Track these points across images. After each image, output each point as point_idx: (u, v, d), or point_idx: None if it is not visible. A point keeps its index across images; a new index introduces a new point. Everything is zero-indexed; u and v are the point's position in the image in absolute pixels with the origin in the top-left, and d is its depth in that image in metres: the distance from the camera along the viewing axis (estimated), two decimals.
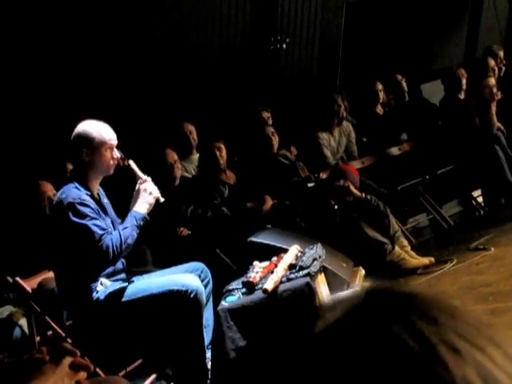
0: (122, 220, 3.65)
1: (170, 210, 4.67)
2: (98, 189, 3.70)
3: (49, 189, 4.69)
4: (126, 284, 3.59)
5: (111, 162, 3.62)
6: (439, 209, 6.48)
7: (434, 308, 0.58)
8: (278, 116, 6.58)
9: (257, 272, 3.71)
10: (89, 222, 3.41)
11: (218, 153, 5.63)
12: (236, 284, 3.71)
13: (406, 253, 5.24)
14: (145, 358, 3.76)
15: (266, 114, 6.51)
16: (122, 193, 4.01)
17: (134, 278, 3.71)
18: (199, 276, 3.70)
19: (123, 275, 3.72)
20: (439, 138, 6.69)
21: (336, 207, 5.37)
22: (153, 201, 3.62)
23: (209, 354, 3.55)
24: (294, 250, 3.91)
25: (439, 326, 0.56)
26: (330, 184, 5.61)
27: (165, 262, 4.15)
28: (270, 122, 6.46)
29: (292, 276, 3.60)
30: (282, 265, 3.69)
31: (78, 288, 3.53)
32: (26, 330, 3.95)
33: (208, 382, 3.53)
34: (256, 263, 3.86)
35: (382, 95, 7.06)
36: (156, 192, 3.64)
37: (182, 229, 5.03)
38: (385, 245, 5.18)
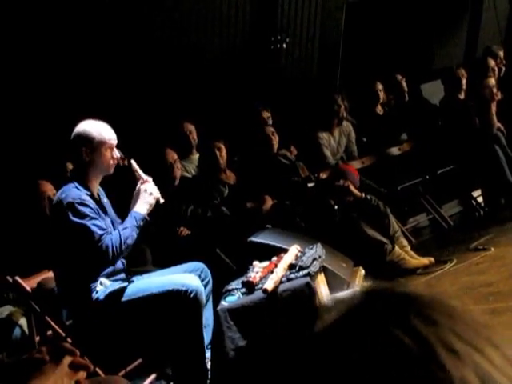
0: (122, 220, 3.65)
1: (169, 209, 4.67)
2: (97, 188, 3.70)
3: (49, 188, 4.69)
4: (125, 284, 3.59)
5: (111, 162, 3.62)
6: (439, 209, 6.48)
7: (432, 309, 0.58)
8: (278, 116, 6.58)
9: (257, 272, 3.71)
10: (88, 222, 3.41)
11: (217, 153, 5.63)
12: (236, 284, 3.71)
13: (405, 253, 5.24)
14: (144, 358, 3.76)
15: (266, 114, 6.51)
16: (121, 192, 4.01)
17: (134, 278, 3.71)
18: (199, 276, 3.70)
19: (123, 275, 3.72)
20: (439, 138, 6.69)
21: (336, 207, 5.37)
22: (153, 201, 3.62)
23: (208, 354, 3.55)
24: (293, 249, 3.91)
25: (437, 327, 0.56)
26: (329, 184, 5.61)
27: (165, 261, 4.14)
28: (270, 121, 6.46)
29: (292, 276, 3.60)
30: (281, 265, 3.69)
31: (77, 288, 3.53)
32: (26, 329, 3.95)
33: (208, 381, 3.53)
34: (256, 263, 3.86)
35: (382, 95, 7.06)
36: (156, 193, 3.64)
37: (181, 229, 5.03)
38: (385, 245, 5.18)
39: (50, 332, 3.80)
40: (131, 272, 3.82)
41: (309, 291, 3.48)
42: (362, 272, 4.46)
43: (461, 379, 0.52)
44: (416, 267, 5.12)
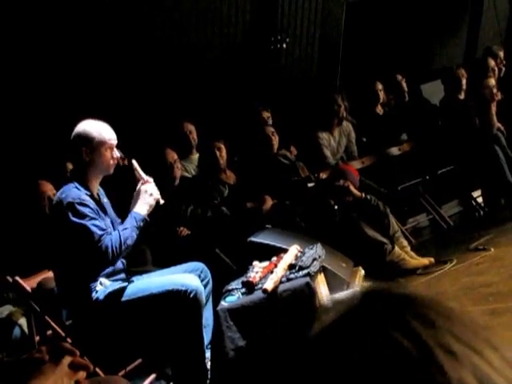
0: (122, 220, 3.65)
1: (169, 209, 4.67)
2: (97, 188, 3.70)
3: (49, 188, 4.69)
4: (125, 284, 3.59)
5: (111, 162, 3.62)
6: (439, 209, 6.48)
7: (430, 310, 0.58)
8: (278, 116, 6.58)
9: (256, 272, 3.71)
10: (88, 223, 3.41)
11: (217, 153, 5.63)
12: (236, 284, 3.71)
13: (405, 253, 5.24)
14: (144, 358, 3.76)
15: (266, 114, 6.51)
16: (121, 192, 4.01)
17: (134, 278, 3.71)
18: (199, 276, 3.70)
19: (123, 275, 3.72)
20: (439, 139, 6.69)
21: (336, 207, 5.36)
22: (153, 202, 3.62)
23: (208, 354, 3.55)
24: (293, 249, 3.91)
25: (436, 328, 0.55)
26: (329, 184, 5.61)
27: (164, 261, 4.14)
28: (270, 121, 6.46)
29: (292, 276, 3.60)
30: (281, 265, 3.69)
31: (77, 288, 3.53)
32: (26, 329, 3.95)
33: (207, 381, 3.53)
34: (256, 263, 3.86)
35: (382, 95, 7.06)
36: (156, 194, 3.63)
37: (181, 229, 5.03)
38: (384, 245, 5.18)
39: (49, 332, 3.80)
40: (131, 272, 3.82)
41: (309, 291, 3.48)
42: (362, 272, 4.46)
43: (459, 381, 0.52)
44: (416, 267, 5.12)
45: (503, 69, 7.31)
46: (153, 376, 3.76)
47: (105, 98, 5.70)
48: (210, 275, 3.80)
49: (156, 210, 3.69)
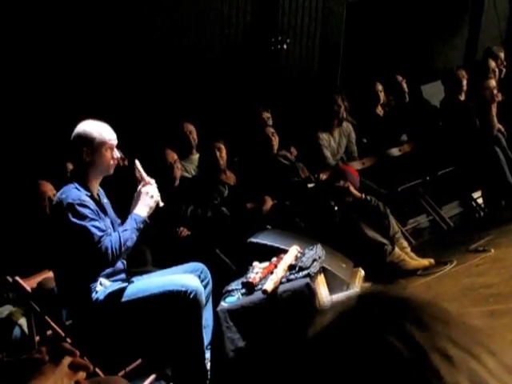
0: (122, 221, 3.65)
1: (169, 210, 4.67)
2: (97, 189, 3.70)
3: (49, 189, 4.69)
4: (125, 284, 3.59)
5: (111, 162, 3.62)
6: (439, 210, 6.48)
7: (427, 314, 0.57)
8: (278, 116, 6.58)
9: (256, 273, 3.71)
10: (88, 224, 3.41)
11: (218, 153, 5.63)
12: (236, 284, 3.71)
13: (405, 254, 5.24)
14: (144, 358, 3.76)
15: (266, 115, 6.51)
16: (121, 193, 4.01)
17: (134, 278, 3.71)
18: (199, 276, 3.70)
19: (123, 275, 3.72)
20: (439, 139, 6.69)
21: (336, 208, 5.36)
22: (154, 204, 3.61)
23: (208, 355, 3.55)
24: (293, 250, 3.91)
25: (432, 332, 0.55)
26: (329, 185, 5.60)
27: (165, 262, 4.14)
28: (270, 122, 6.46)
29: (292, 277, 3.60)
30: (281, 265, 3.69)
31: (77, 288, 3.53)
32: (26, 329, 3.95)
33: (207, 382, 3.53)
34: (256, 264, 3.86)
35: (382, 96, 7.06)
36: (157, 195, 3.63)
37: (181, 229, 5.03)
38: (385, 246, 5.17)
39: (49, 332, 3.80)
40: (131, 272, 3.82)
41: (309, 292, 3.48)
42: (362, 273, 4.46)
43: None
44: (416, 268, 5.11)
45: (504, 70, 7.31)
46: (153, 376, 3.76)
47: (105, 98, 5.70)
48: (209, 276, 3.80)
49: (156, 211, 3.69)
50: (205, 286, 3.66)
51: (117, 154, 3.63)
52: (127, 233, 3.48)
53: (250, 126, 6.38)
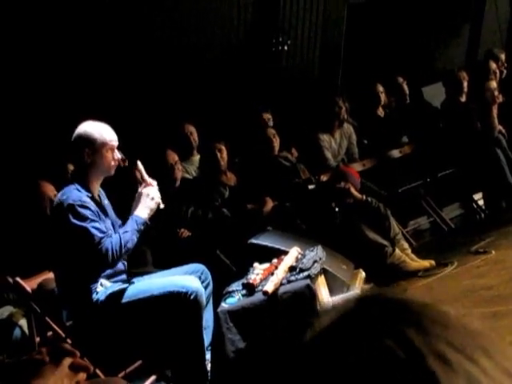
0: (123, 222, 3.65)
1: (170, 211, 4.67)
2: (98, 190, 3.70)
3: (49, 189, 4.69)
4: (126, 285, 3.59)
5: (112, 163, 3.62)
6: (440, 211, 6.48)
7: (426, 317, 0.57)
8: (278, 118, 6.58)
9: (257, 274, 3.71)
10: (89, 225, 3.41)
11: (218, 154, 5.63)
12: (236, 286, 3.71)
13: (406, 255, 5.23)
14: (144, 360, 3.76)
15: (267, 116, 6.51)
16: (122, 194, 4.01)
17: (135, 279, 3.71)
18: (199, 277, 3.69)
19: (124, 276, 3.72)
20: (440, 141, 6.69)
21: (336, 209, 5.36)
22: (154, 206, 3.61)
23: (208, 356, 3.55)
24: (294, 252, 3.91)
25: (430, 336, 0.55)
26: (330, 186, 5.60)
27: (165, 263, 4.14)
28: (271, 123, 6.46)
29: (292, 278, 3.60)
30: (282, 267, 3.69)
31: (77, 289, 3.53)
32: (26, 330, 3.95)
33: (207, 383, 3.53)
34: (256, 265, 3.86)
35: (383, 97, 7.06)
36: (158, 197, 3.63)
37: (182, 230, 5.03)
38: (385, 247, 5.17)
39: (50, 333, 3.80)
40: (132, 273, 3.82)
41: (309, 293, 3.48)
42: (363, 274, 4.46)
43: None
44: (416, 270, 5.11)
45: (504, 71, 7.32)
46: (153, 377, 3.75)
47: (105, 99, 5.70)
48: (210, 277, 3.80)
49: (157, 213, 3.69)
50: (205, 287, 3.66)
51: (118, 155, 3.63)
52: (128, 234, 3.48)
53: (251, 127, 6.38)
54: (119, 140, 3.66)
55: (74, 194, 3.48)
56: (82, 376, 1.50)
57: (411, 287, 4.63)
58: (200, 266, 3.82)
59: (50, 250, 3.65)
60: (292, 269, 3.69)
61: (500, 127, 6.51)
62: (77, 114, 3.87)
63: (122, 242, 3.44)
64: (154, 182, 3.67)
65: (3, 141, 5.39)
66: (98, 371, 3.35)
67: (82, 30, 5.69)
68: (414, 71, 7.63)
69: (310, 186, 5.88)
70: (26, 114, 5.59)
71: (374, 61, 7.51)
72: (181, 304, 3.42)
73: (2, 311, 4.20)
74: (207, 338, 3.57)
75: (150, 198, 3.59)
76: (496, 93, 6.44)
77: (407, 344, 0.54)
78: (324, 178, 5.95)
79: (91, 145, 3.57)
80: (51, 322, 3.74)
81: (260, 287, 3.56)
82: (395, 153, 6.69)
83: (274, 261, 3.84)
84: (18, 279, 3.75)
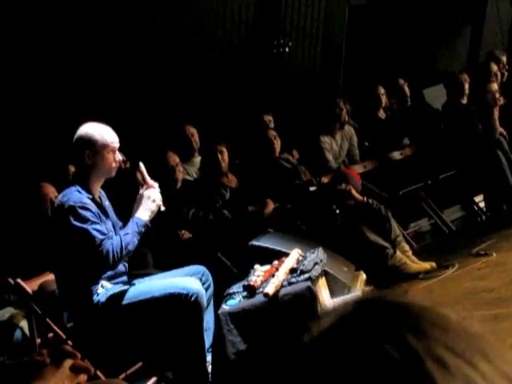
0: (124, 223, 3.65)
1: (171, 212, 4.67)
2: (99, 191, 3.70)
3: (51, 191, 4.69)
4: (127, 287, 3.59)
5: (113, 165, 3.62)
6: (441, 214, 6.47)
7: (425, 320, 0.57)
8: (280, 119, 6.58)
9: (258, 276, 3.71)
10: (89, 227, 3.41)
11: (219, 156, 5.63)
12: (237, 287, 3.71)
13: (407, 257, 5.23)
14: (145, 361, 3.75)
15: (268, 118, 6.51)
16: (123, 195, 4.01)
17: (135, 281, 3.71)
18: (200, 279, 3.69)
19: (125, 278, 3.72)
20: (441, 143, 6.68)
21: (337, 211, 5.36)
22: (155, 208, 3.61)
23: (209, 358, 3.55)
24: (295, 253, 3.91)
25: (429, 339, 0.54)
26: (331, 188, 5.60)
27: (166, 264, 4.14)
28: (272, 125, 6.46)
29: (293, 280, 3.60)
30: (283, 269, 3.69)
31: (78, 290, 3.53)
32: (27, 331, 3.95)
33: None
34: (257, 267, 3.86)
35: (384, 99, 7.05)
36: (159, 200, 3.63)
37: (183, 232, 5.03)
38: (386, 249, 5.17)
39: (50, 334, 3.80)
40: (133, 275, 3.82)
41: (310, 295, 3.48)
42: (364, 276, 4.46)
43: None
44: (417, 272, 5.11)
45: (506, 73, 7.31)
46: (154, 379, 3.75)
47: (106, 100, 5.70)
48: (211, 278, 3.80)
49: (157, 215, 3.69)
50: (206, 289, 3.66)
51: (119, 156, 3.63)
52: (128, 236, 3.48)
53: (252, 129, 6.39)
54: (120, 141, 3.67)
55: (75, 195, 3.48)
56: (83, 378, 1.50)
57: (412, 289, 4.63)
58: (201, 268, 3.82)
59: (51, 251, 3.65)
60: (293, 271, 3.69)
61: (501, 129, 6.51)
62: (78, 116, 3.88)
63: (123, 244, 3.44)
64: (156, 184, 3.67)
65: (4, 142, 5.39)
66: (98, 373, 3.35)
67: (82, 30, 5.69)
68: (415, 73, 7.63)
69: (311, 188, 5.88)
70: (27, 115, 5.60)
71: (376, 63, 7.51)
72: (182, 306, 3.42)
73: (2, 312, 4.20)
74: (208, 339, 3.57)
75: (151, 201, 3.59)
76: (497, 95, 6.43)
77: (405, 348, 0.53)
78: (325, 179, 5.94)
79: (92, 146, 3.57)
80: (52, 324, 3.74)
81: (261, 289, 3.56)
82: (396, 155, 6.69)
83: (275, 263, 3.84)
84: (18, 280, 3.76)
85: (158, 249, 4.68)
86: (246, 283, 3.65)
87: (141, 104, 6.12)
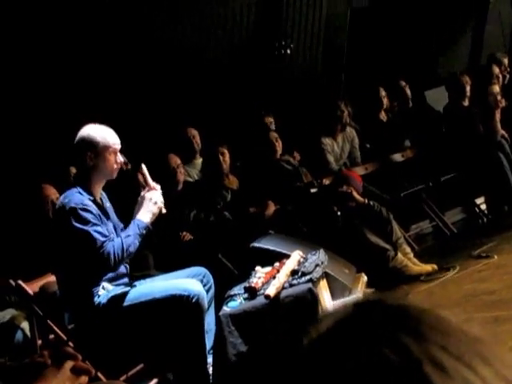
0: (125, 225, 3.65)
1: (172, 214, 4.67)
2: (100, 193, 3.70)
3: (52, 192, 4.70)
4: (128, 288, 3.59)
5: (115, 167, 3.62)
6: (442, 216, 6.47)
7: (425, 323, 0.57)
8: (281, 121, 6.58)
9: (259, 277, 3.71)
10: (90, 229, 3.41)
11: (221, 157, 5.63)
12: (238, 289, 3.71)
13: (408, 259, 5.23)
14: (146, 363, 3.75)
15: (269, 119, 6.51)
16: (124, 197, 4.02)
17: (137, 283, 3.71)
18: (201, 281, 3.69)
19: (126, 279, 3.72)
20: (443, 145, 6.68)
21: (339, 213, 5.36)
22: (157, 211, 3.61)
23: (210, 359, 3.55)
24: (296, 255, 3.91)
25: (428, 343, 0.54)
26: (332, 190, 5.60)
27: (167, 266, 4.14)
28: (273, 127, 6.46)
29: (294, 282, 3.60)
30: (284, 270, 3.68)
31: (79, 292, 3.53)
32: (28, 333, 3.95)
33: None
34: (258, 268, 3.86)
35: (385, 101, 7.06)
36: (160, 202, 3.63)
37: (184, 233, 5.04)
38: (387, 251, 5.17)
39: (52, 336, 3.80)
40: (134, 276, 3.82)
41: (311, 297, 3.48)
42: (365, 278, 4.46)
43: None
44: (419, 274, 5.10)
45: (507, 76, 7.31)
46: (154, 381, 3.75)
47: (107, 101, 5.71)
48: (212, 280, 3.80)
49: (159, 217, 3.68)
50: (207, 291, 3.66)
51: (120, 158, 3.64)
52: (130, 238, 3.48)
53: (253, 131, 6.39)
54: (121, 143, 3.67)
55: (76, 197, 3.48)
56: (84, 379, 1.51)
57: (413, 291, 4.63)
58: (202, 270, 3.82)
59: (52, 252, 3.65)
60: (294, 272, 3.69)
61: (503, 131, 6.51)
62: (79, 117, 3.88)
63: (124, 245, 3.44)
64: (158, 186, 3.67)
65: (6, 143, 5.40)
66: (99, 374, 3.34)
67: (82, 31, 5.69)
68: (416, 75, 7.63)
69: (312, 190, 5.88)
70: (28, 116, 5.60)
71: (377, 65, 7.51)
72: (183, 307, 3.43)
73: (3, 314, 4.20)
74: (209, 341, 3.57)
75: (152, 203, 3.59)
76: (499, 97, 6.44)
77: (404, 351, 0.53)
78: (326, 181, 5.94)
79: (94, 148, 3.57)
80: (53, 325, 3.74)
81: (262, 291, 3.56)
82: (397, 157, 6.69)
83: (276, 264, 3.83)
84: (20, 282, 3.76)
85: (159, 250, 4.68)
86: (247, 285, 3.65)
87: (142, 105, 6.12)
